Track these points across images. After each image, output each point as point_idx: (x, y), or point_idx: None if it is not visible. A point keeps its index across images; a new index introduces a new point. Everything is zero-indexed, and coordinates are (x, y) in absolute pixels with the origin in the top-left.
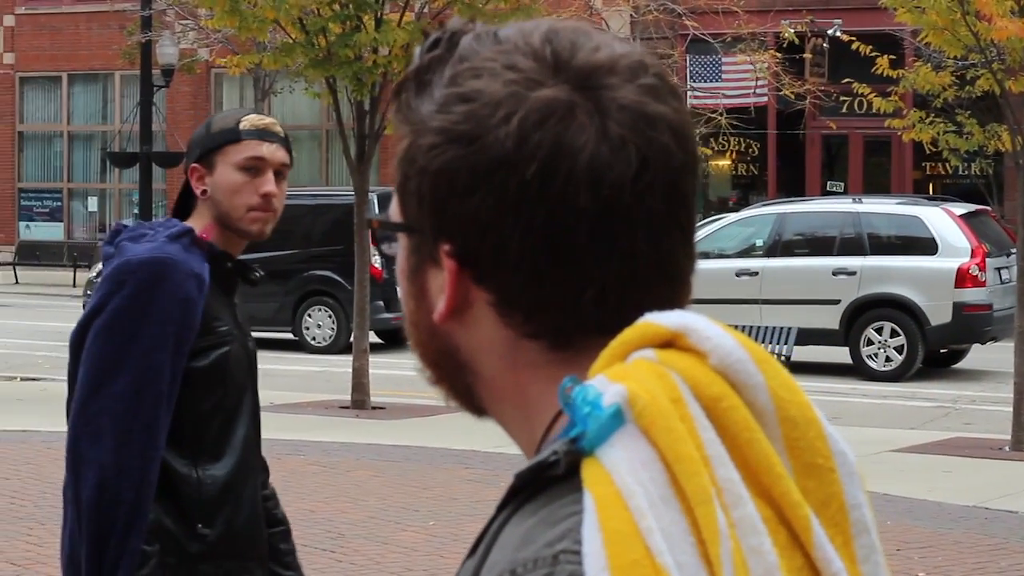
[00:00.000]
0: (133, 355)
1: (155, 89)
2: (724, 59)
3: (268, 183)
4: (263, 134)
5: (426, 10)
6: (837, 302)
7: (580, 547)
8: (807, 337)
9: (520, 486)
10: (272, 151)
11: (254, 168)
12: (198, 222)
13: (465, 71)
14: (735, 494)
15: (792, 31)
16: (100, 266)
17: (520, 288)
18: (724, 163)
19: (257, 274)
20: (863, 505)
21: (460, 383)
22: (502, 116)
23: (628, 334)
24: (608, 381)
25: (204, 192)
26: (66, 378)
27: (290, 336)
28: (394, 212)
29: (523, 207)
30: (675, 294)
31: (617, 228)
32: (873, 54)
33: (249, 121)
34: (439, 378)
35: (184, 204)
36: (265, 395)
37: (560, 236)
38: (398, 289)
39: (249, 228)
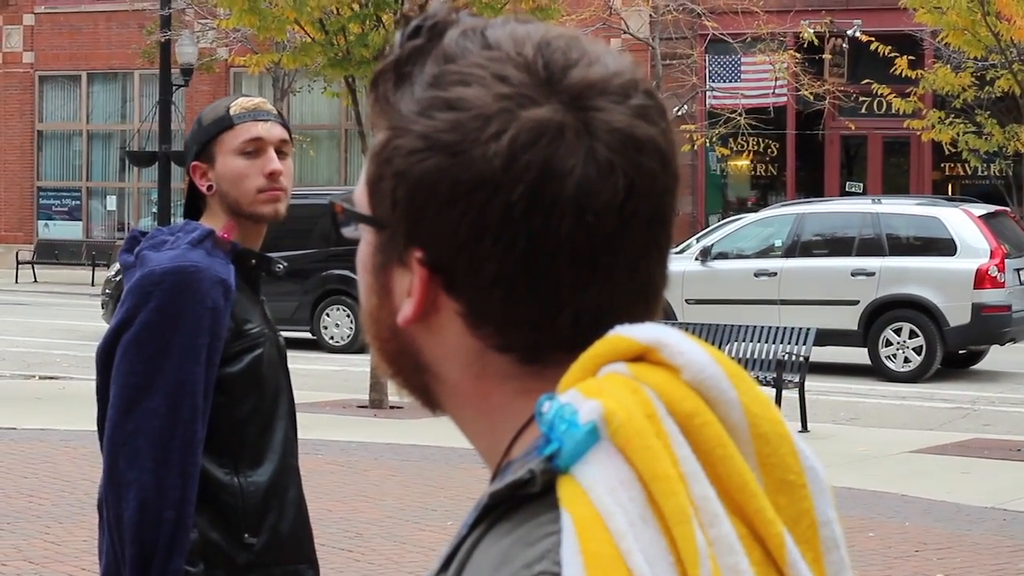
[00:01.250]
0: (166, 369)
1: (174, 88)
2: (743, 59)
3: (272, 162)
4: (256, 114)
5: None
6: (856, 303)
7: (560, 569)
8: (825, 338)
9: (493, 504)
10: (268, 129)
11: (254, 150)
12: (212, 220)
13: (452, 74)
14: (711, 512)
15: (811, 31)
16: (117, 267)
17: (493, 305)
18: (743, 163)
19: (280, 266)
20: (833, 521)
21: (418, 382)
22: (492, 133)
23: (599, 347)
24: (582, 396)
25: (210, 188)
26: (94, 390)
27: (308, 335)
28: (360, 200)
29: (504, 228)
30: (649, 311)
31: (598, 254)
32: (892, 55)
33: (239, 105)
34: (395, 373)
35: (193, 206)
36: None
37: (540, 260)
38: (358, 279)
39: (262, 211)
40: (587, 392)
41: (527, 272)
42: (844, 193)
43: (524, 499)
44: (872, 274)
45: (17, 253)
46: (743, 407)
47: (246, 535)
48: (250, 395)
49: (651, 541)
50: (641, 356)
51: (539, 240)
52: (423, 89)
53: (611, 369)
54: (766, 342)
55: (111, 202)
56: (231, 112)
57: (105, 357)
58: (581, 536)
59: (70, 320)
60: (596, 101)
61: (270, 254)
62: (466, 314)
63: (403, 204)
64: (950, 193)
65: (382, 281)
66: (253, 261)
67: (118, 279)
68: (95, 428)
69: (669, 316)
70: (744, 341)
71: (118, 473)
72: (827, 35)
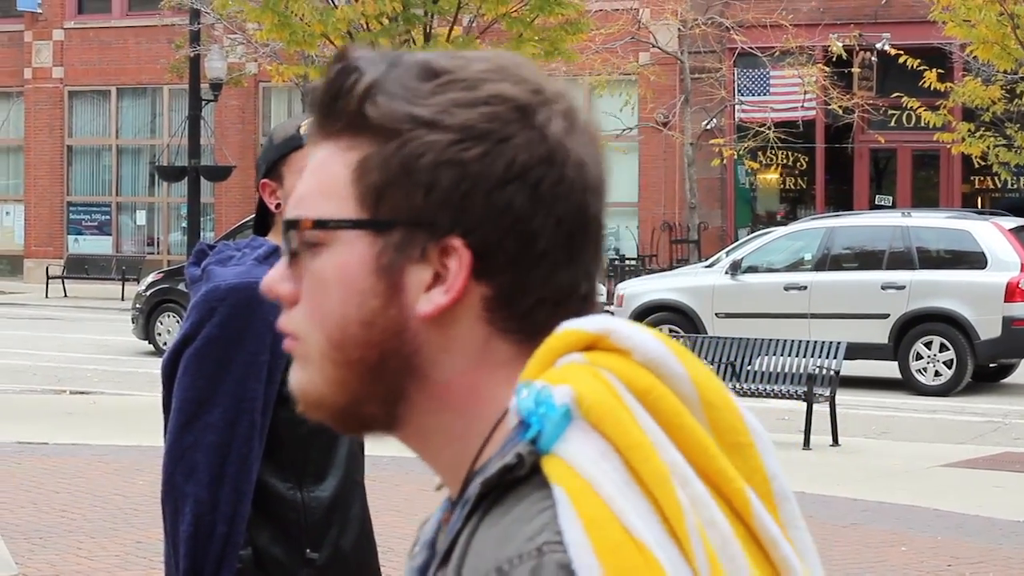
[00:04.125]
0: (226, 385)
1: (203, 103)
2: (772, 73)
3: None
4: None
5: (475, 24)
6: (886, 316)
7: (561, 537)
8: (856, 351)
9: (485, 493)
10: None
11: None
12: (279, 238)
13: (469, 78)
14: (682, 475)
15: (840, 45)
16: (150, 279)
17: (534, 281)
18: (772, 177)
19: None
20: (781, 476)
21: (387, 394)
22: (543, 118)
23: (553, 341)
24: (550, 385)
25: (278, 206)
26: (161, 406)
27: None
28: (339, 213)
29: (557, 201)
30: (593, 291)
31: (602, 230)
32: (921, 68)
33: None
34: (358, 388)
35: (262, 222)
36: None
37: (577, 232)
38: (330, 292)
39: None
40: (553, 381)
41: (568, 245)
42: (873, 206)
43: (512, 484)
44: (902, 287)
45: (47, 268)
46: (692, 380)
47: (308, 550)
48: None
49: (637, 503)
50: (592, 345)
51: (579, 212)
52: (432, 95)
53: (568, 360)
54: (796, 356)
55: (140, 217)
56: (302, 131)
57: (169, 370)
58: (576, 504)
59: (100, 335)
60: (570, 104)
61: None
62: (494, 297)
63: (442, 195)
64: (980, 206)
65: (388, 282)
66: None
67: (148, 294)
68: (126, 443)
69: (699, 329)
70: (774, 355)
71: (175, 486)
72: (856, 48)
